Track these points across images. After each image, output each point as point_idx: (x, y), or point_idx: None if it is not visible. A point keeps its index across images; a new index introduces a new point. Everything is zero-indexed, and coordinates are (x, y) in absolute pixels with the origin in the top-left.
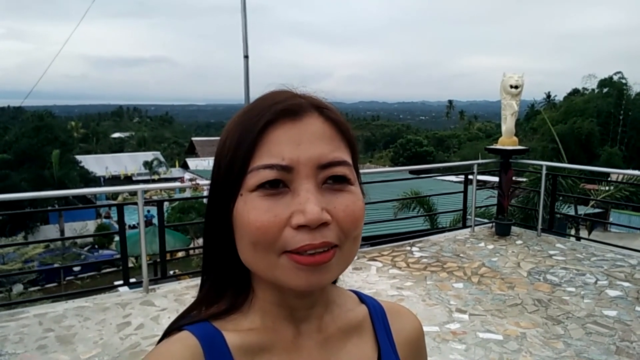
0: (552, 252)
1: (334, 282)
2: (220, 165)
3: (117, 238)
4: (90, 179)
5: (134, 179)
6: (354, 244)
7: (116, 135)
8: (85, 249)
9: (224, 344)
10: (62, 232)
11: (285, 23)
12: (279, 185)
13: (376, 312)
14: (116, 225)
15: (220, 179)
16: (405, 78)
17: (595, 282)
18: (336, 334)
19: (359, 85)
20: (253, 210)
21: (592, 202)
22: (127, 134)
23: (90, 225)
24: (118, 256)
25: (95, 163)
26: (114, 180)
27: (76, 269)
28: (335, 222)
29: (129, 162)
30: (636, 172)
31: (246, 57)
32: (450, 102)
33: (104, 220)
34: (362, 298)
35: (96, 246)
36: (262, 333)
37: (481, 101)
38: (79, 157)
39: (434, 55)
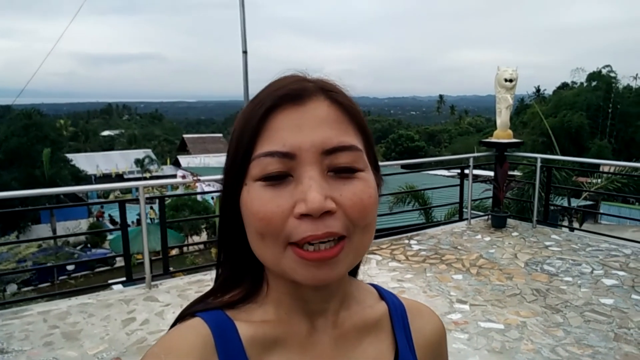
0: (547, 243)
1: (354, 274)
2: (229, 156)
3: (110, 236)
4: (82, 178)
5: (125, 177)
6: (364, 234)
7: (106, 133)
8: (78, 248)
9: (236, 333)
10: (54, 231)
11: (275, 19)
12: (281, 174)
13: (396, 310)
14: (109, 225)
15: (228, 169)
16: (395, 73)
17: (592, 272)
18: (352, 331)
19: (349, 81)
20: (256, 201)
21: (584, 194)
22: (117, 131)
23: (83, 224)
24: (113, 254)
25: (86, 161)
26: (105, 178)
27: (70, 267)
28: (342, 211)
29: (120, 160)
30: (628, 163)
31: (245, 52)
32: (440, 96)
33: (98, 219)
34: (383, 294)
35: (89, 245)
36: (276, 326)
37: (471, 96)
38: (69, 156)
39: (424, 50)
